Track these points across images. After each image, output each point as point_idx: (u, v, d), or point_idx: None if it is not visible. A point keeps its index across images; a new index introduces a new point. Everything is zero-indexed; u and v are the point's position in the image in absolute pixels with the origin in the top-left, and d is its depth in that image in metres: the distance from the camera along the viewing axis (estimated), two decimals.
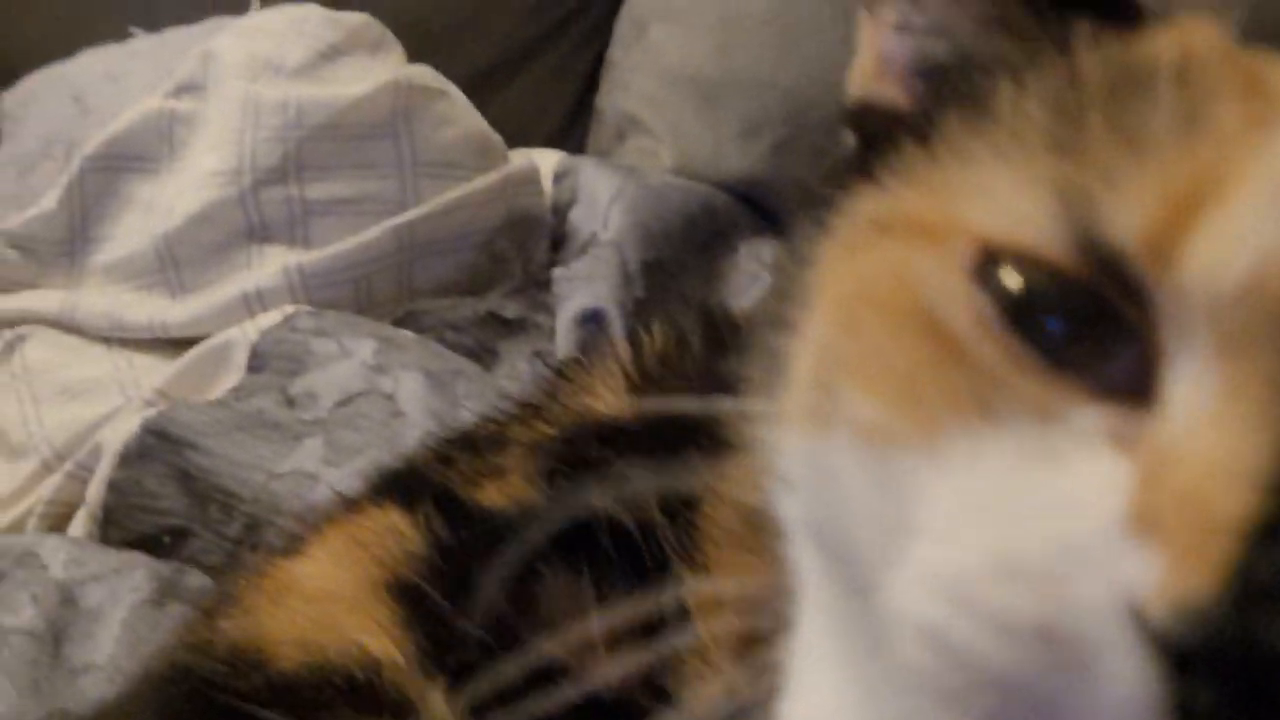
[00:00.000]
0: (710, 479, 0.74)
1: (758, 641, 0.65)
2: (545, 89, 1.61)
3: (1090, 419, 0.44)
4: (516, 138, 1.49)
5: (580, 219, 1.40)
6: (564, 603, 0.72)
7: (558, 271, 1.31)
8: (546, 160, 1.45)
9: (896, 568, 0.48)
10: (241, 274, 1.30)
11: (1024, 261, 0.46)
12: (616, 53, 1.59)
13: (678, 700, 0.69)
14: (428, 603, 0.71)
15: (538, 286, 1.35)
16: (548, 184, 1.44)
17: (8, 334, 1.32)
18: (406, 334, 1.21)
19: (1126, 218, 0.44)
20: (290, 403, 1.15)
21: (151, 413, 1.17)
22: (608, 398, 0.82)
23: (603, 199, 1.39)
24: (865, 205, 0.53)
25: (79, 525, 1.15)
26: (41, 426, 1.22)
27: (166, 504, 1.14)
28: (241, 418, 1.15)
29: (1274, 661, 0.39)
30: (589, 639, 0.70)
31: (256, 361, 1.22)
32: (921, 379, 0.48)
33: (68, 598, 1.01)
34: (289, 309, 1.26)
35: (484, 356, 1.28)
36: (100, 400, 1.23)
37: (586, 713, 0.69)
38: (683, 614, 0.69)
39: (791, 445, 0.55)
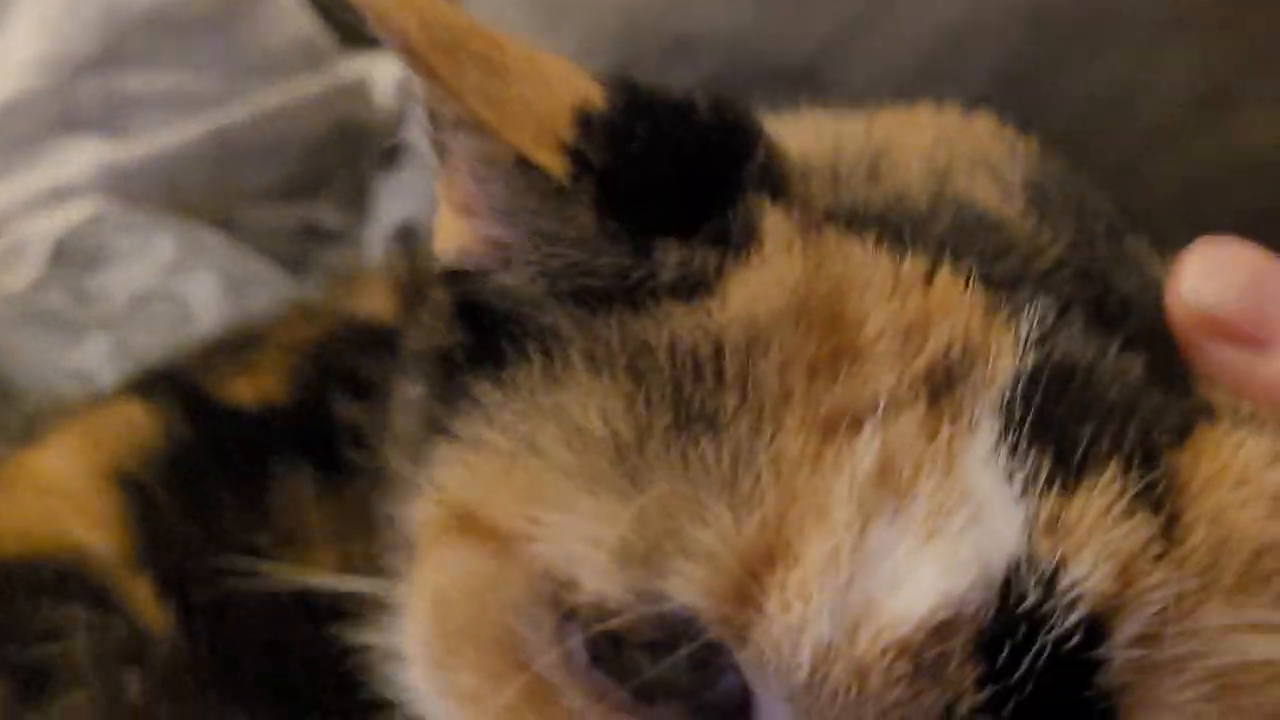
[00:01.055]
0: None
1: None
2: None
3: None
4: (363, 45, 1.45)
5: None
6: (294, 507, 0.71)
7: (379, 182, 1.29)
8: (387, 70, 1.41)
9: None
10: (51, 166, 1.27)
11: (599, 612, 0.45)
12: None
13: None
14: (151, 497, 0.70)
15: (363, 198, 1.33)
16: (389, 96, 1.40)
17: None
18: (213, 237, 1.18)
19: (691, 581, 0.43)
20: (83, 299, 1.11)
21: None
22: (374, 303, 0.81)
23: None
24: (450, 478, 0.51)
25: None
26: None
27: None
28: (32, 312, 1.13)
29: None
30: (308, 542, 0.68)
31: (58, 256, 1.18)
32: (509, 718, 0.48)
33: None
34: (97, 204, 1.21)
35: (298, 266, 1.25)
36: None
37: (305, 616, 0.67)
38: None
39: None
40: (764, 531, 0.43)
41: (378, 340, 0.77)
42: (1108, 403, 0.46)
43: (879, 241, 0.49)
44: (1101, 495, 0.44)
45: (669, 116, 0.50)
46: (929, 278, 0.48)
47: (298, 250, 1.26)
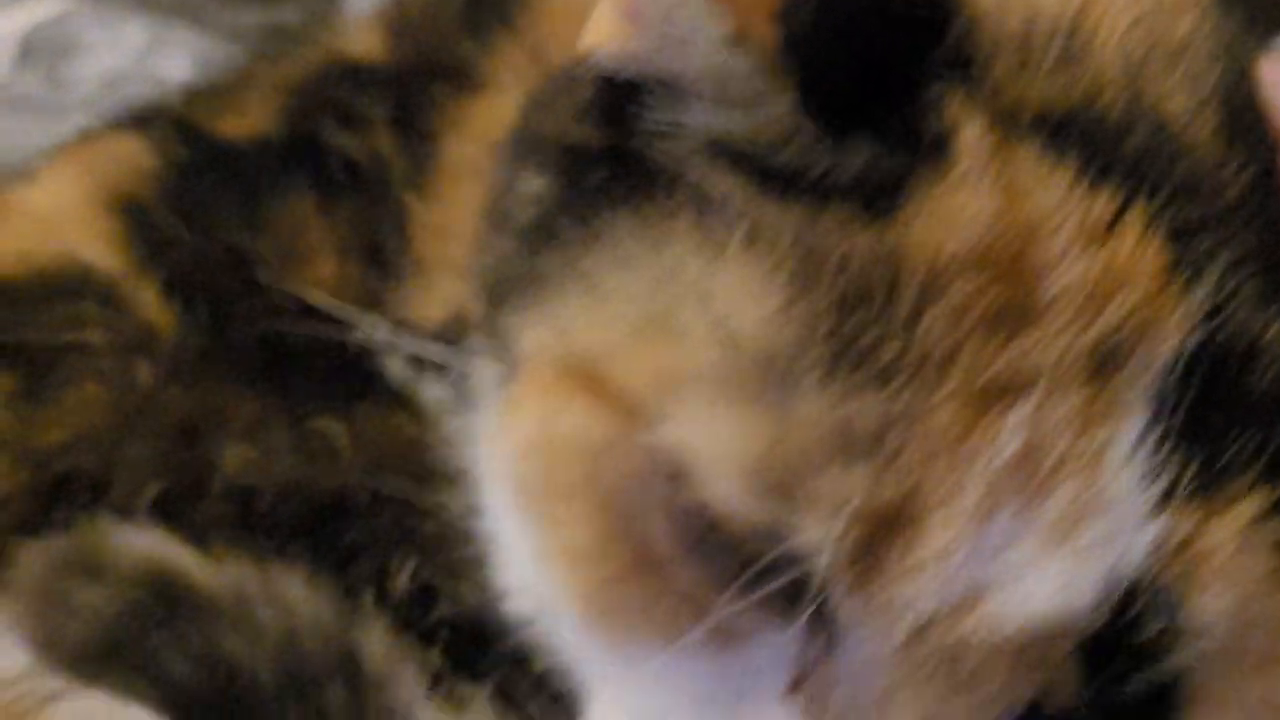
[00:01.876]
0: (454, 114, 0.72)
1: None
2: None
3: (771, 649, 0.45)
4: None
5: None
6: (290, 223, 0.72)
7: None
8: None
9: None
10: None
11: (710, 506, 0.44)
12: None
13: (397, 315, 0.69)
14: (151, 214, 0.71)
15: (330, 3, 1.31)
16: None
17: None
18: (183, 29, 1.17)
19: (816, 529, 0.42)
20: (58, 85, 1.11)
21: None
22: (364, 42, 0.80)
23: None
24: (578, 323, 0.48)
25: None
26: None
27: None
28: (6, 99, 1.11)
29: None
30: (309, 250, 0.69)
31: (27, 52, 1.17)
32: (620, 583, 0.47)
33: None
34: (64, 3, 1.20)
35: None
36: None
37: (301, 313, 0.68)
38: (403, 234, 0.68)
39: None
40: (900, 495, 0.41)
41: (371, 77, 0.77)
42: (1263, 397, 0.43)
43: (1074, 165, 0.44)
44: (1237, 518, 0.42)
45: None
46: (1115, 222, 0.43)
47: (265, 49, 1.25)
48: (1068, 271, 0.43)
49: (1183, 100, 0.48)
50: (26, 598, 0.58)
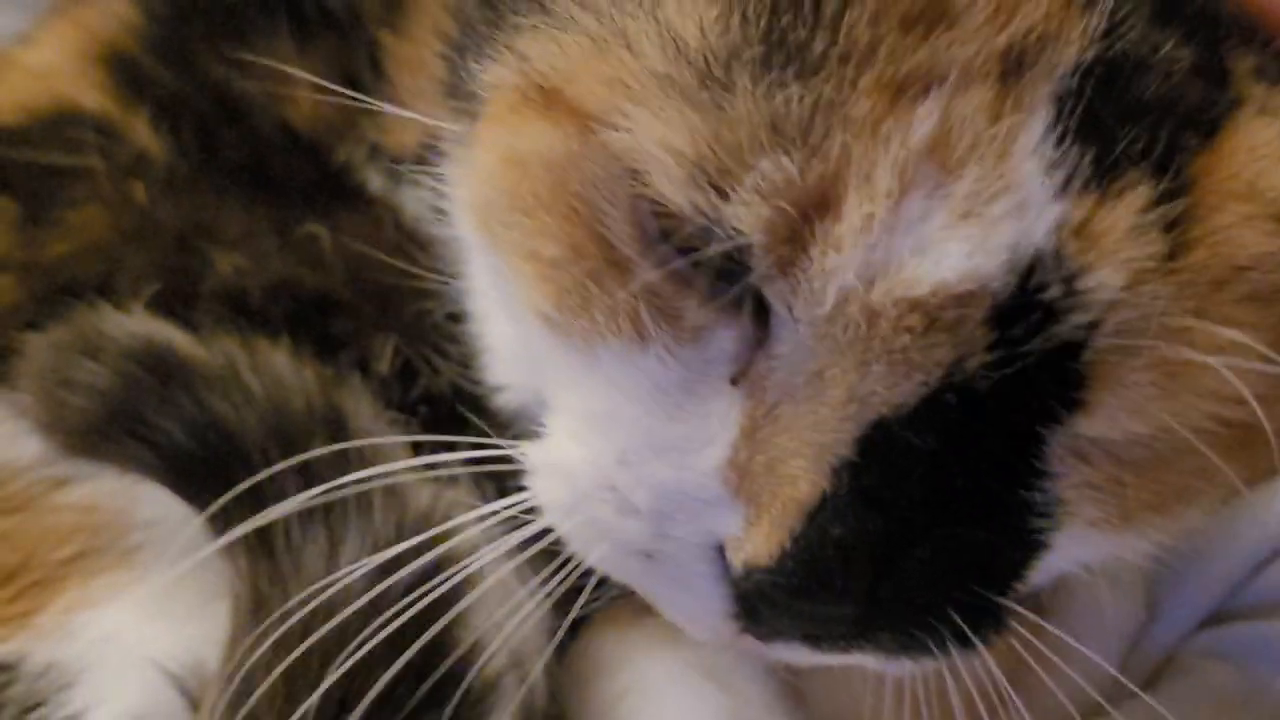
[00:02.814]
0: None
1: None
2: None
3: (720, 342, 0.48)
4: None
5: None
6: (274, 56, 0.74)
7: None
8: None
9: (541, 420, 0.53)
10: None
11: (660, 203, 0.46)
12: None
13: (383, 141, 0.72)
14: (139, 62, 0.74)
15: None
16: None
17: None
18: None
19: (750, 213, 0.44)
20: None
21: None
22: None
23: None
24: (536, 51, 0.50)
25: None
26: None
27: None
28: None
29: (811, 595, 0.46)
30: (293, 86, 0.71)
31: None
32: (585, 285, 0.49)
33: None
34: None
35: None
36: None
37: (284, 140, 0.71)
38: (377, 67, 0.72)
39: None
40: (821, 183, 0.44)
41: None
42: (1150, 101, 0.46)
43: None
44: (1128, 206, 0.45)
45: None
46: None
47: None
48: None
49: None
50: (33, 381, 0.59)
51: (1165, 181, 0.45)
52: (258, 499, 0.56)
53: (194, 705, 0.56)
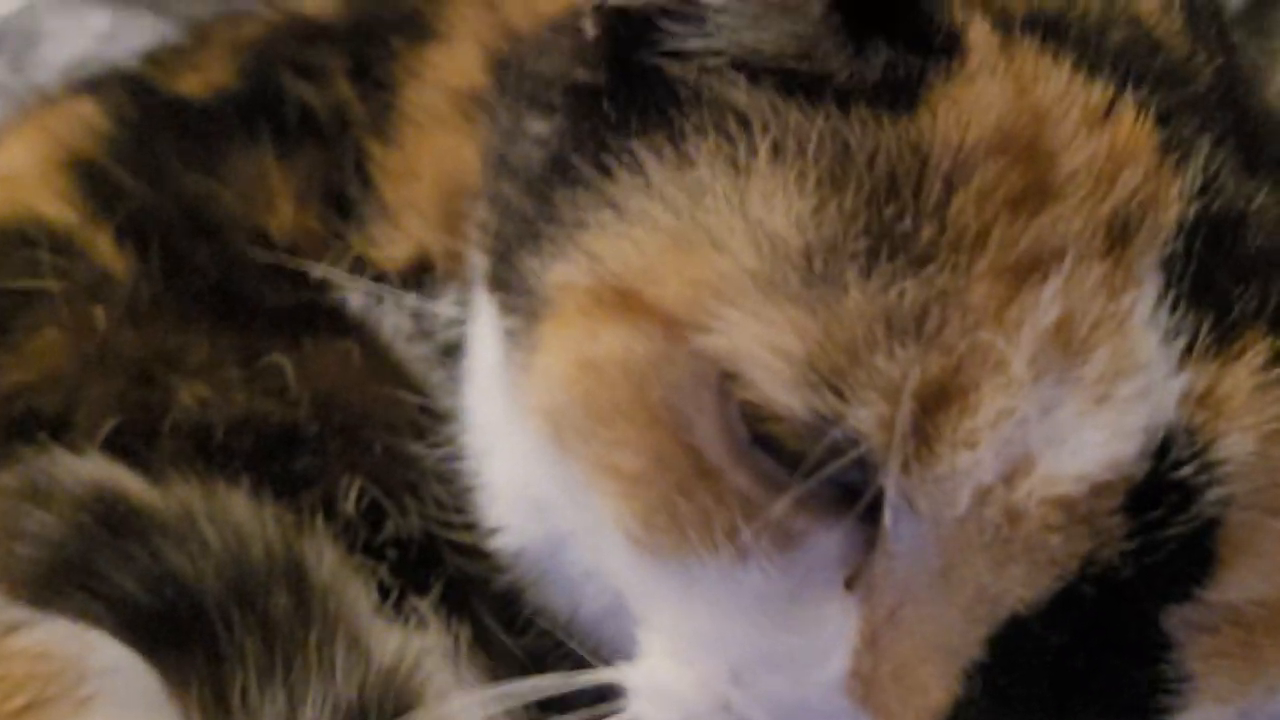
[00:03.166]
0: (411, 63, 0.74)
1: (458, 213, 0.68)
2: None
3: (827, 545, 0.46)
4: None
5: None
6: (250, 172, 0.72)
7: None
8: None
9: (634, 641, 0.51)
10: None
11: (762, 406, 0.44)
12: None
13: (367, 254, 0.70)
14: (104, 171, 0.72)
15: None
16: None
17: None
18: (145, 15, 1.18)
19: (871, 413, 0.43)
20: (20, 69, 1.12)
21: None
22: (317, 2, 0.82)
23: None
24: (609, 250, 0.48)
25: None
26: None
27: None
28: None
29: None
30: (270, 194, 0.70)
31: None
32: (674, 500, 0.47)
33: None
34: None
35: None
36: None
37: (262, 264, 0.69)
38: (364, 178, 0.69)
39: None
40: (945, 374, 0.42)
41: (327, 32, 0.79)
42: (1255, 254, 0.46)
43: (1069, 60, 0.47)
44: (1249, 366, 0.44)
45: None
46: (1111, 108, 0.46)
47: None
48: (1078, 153, 0.45)
49: (1152, 2, 0.51)
50: None
51: None
52: (214, 654, 0.54)
53: None
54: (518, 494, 0.60)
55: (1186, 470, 0.43)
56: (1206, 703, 0.48)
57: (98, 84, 0.81)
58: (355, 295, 0.69)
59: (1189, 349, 0.44)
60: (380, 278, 0.69)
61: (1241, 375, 0.44)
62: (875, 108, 0.45)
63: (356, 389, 0.65)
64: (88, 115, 0.77)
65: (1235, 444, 0.44)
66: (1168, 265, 0.45)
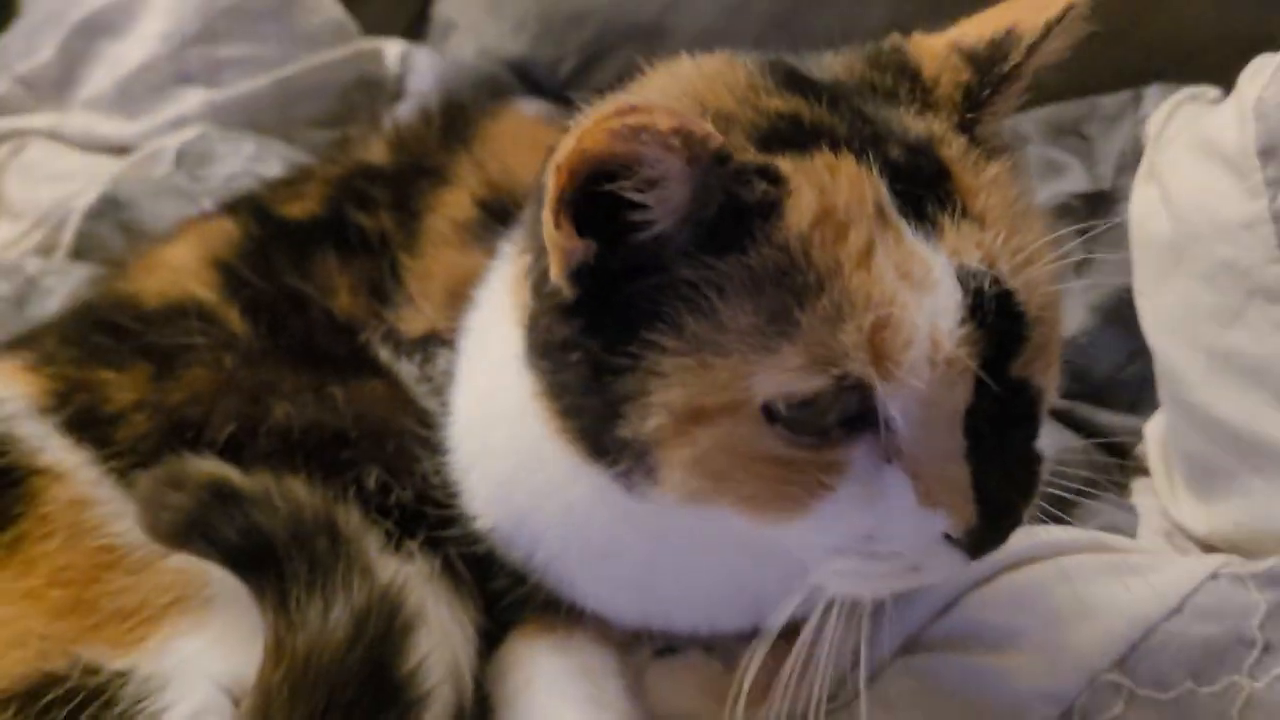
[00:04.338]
0: (431, 200, 0.81)
1: (462, 295, 0.73)
2: (403, 4, 1.61)
3: (864, 452, 0.52)
4: (384, 32, 1.51)
5: (411, 85, 1.43)
6: (326, 269, 0.79)
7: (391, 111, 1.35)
8: (395, 47, 1.47)
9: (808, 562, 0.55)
10: (173, 105, 1.31)
11: (799, 400, 0.50)
12: None
13: (397, 327, 0.76)
14: (236, 269, 0.78)
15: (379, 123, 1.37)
16: (395, 63, 1.46)
17: (17, 140, 1.32)
18: (280, 145, 1.24)
19: (853, 360, 0.49)
20: (197, 179, 1.18)
21: (107, 187, 1.19)
22: (376, 151, 0.87)
23: (424, 70, 1.41)
24: (673, 397, 0.51)
25: (58, 261, 1.18)
26: (36, 197, 1.22)
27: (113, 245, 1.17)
28: (165, 189, 1.18)
29: (1001, 532, 0.52)
30: (335, 287, 0.76)
31: (181, 158, 1.24)
32: (783, 492, 0.52)
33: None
34: (204, 128, 1.27)
35: None
36: (76, 184, 1.23)
37: (327, 326, 0.75)
38: (399, 280, 0.76)
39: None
40: (874, 321, 0.49)
41: (380, 174, 0.85)
42: (923, 186, 0.52)
43: (806, 149, 0.51)
44: (953, 226, 0.51)
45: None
46: (828, 163, 0.51)
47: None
48: (842, 197, 0.51)
49: (782, 97, 0.55)
50: (140, 502, 0.63)
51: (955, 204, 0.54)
52: (279, 575, 0.61)
53: (237, 705, 0.60)
54: (496, 501, 0.66)
55: (989, 291, 0.50)
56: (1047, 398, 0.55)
57: (234, 205, 0.88)
58: (384, 351, 0.75)
59: (934, 234, 0.50)
60: (404, 342, 0.76)
61: (960, 234, 0.51)
62: (759, 226, 0.50)
63: (380, 409, 0.71)
64: (227, 230, 0.83)
65: (1003, 266, 0.50)
66: (900, 208, 0.51)
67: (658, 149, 0.47)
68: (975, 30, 0.57)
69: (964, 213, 0.51)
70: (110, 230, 1.14)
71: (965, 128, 0.55)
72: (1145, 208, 0.83)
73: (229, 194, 0.96)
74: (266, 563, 0.60)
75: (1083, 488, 0.83)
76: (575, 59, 1.35)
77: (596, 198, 0.49)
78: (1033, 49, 0.55)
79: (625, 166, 0.48)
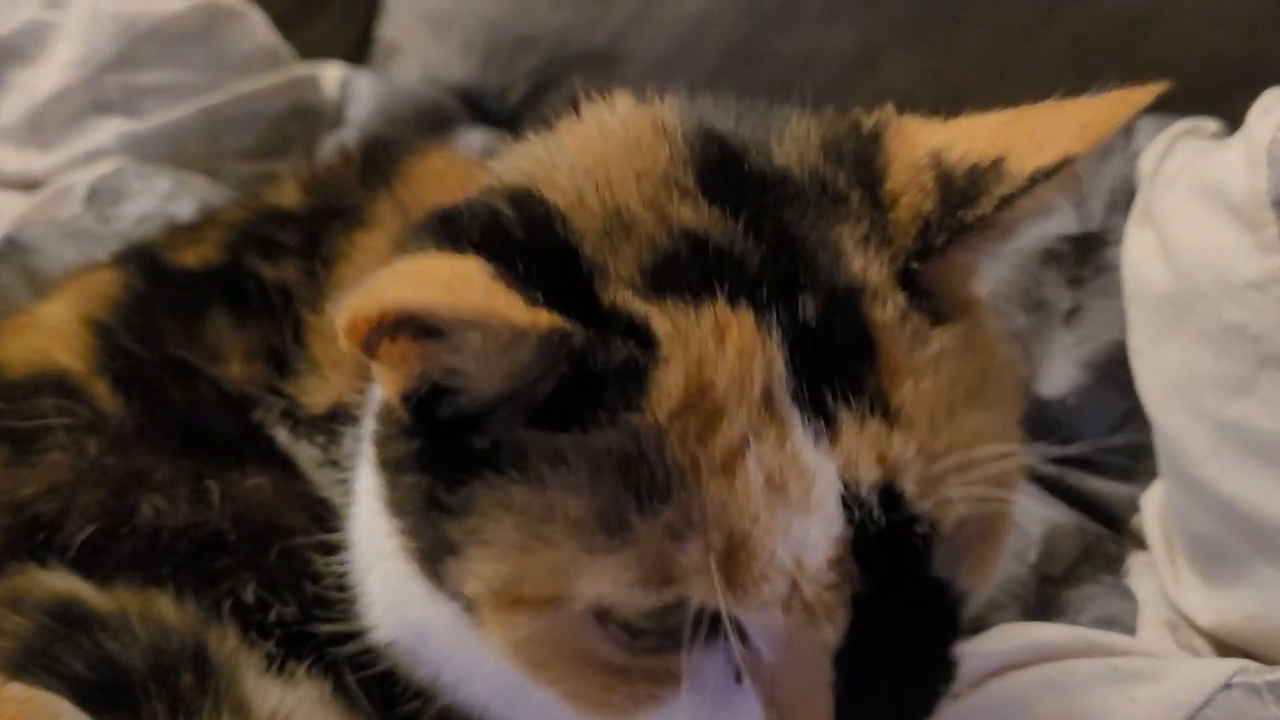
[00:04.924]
0: (345, 246, 0.72)
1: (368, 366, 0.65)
2: (344, 25, 1.54)
3: (713, 666, 0.45)
4: (326, 55, 1.43)
5: (351, 113, 1.35)
6: (217, 331, 0.70)
7: (326, 144, 1.27)
8: (334, 72, 1.39)
9: None
10: (88, 137, 1.23)
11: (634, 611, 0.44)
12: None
13: (298, 401, 0.67)
14: (112, 331, 0.70)
15: (314, 156, 1.30)
16: (335, 89, 1.38)
17: None
18: (199, 180, 1.16)
19: (696, 583, 0.42)
20: (105, 221, 1.09)
21: (11, 228, 1.10)
22: (286, 193, 0.80)
23: (365, 97, 1.34)
24: (489, 572, 0.46)
25: None
26: None
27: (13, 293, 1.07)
28: (71, 231, 1.10)
29: None
30: (225, 353, 0.68)
31: (92, 196, 1.15)
32: (609, 700, 0.47)
33: None
34: (120, 162, 1.18)
35: None
36: None
37: (216, 401, 0.66)
38: (302, 343, 0.67)
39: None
40: (727, 543, 0.42)
41: (286, 219, 0.77)
42: (833, 363, 0.44)
43: (698, 296, 0.44)
44: (856, 426, 0.43)
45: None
46: (719, 321, 0.43)
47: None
48: (723, 373, 0.43)
49: (689, 208, 0.47)
50: None
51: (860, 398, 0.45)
52: (136, 716, 0.53)
53: None
54: (395, 610, 0.59)
55: (880, 521, 0.43)
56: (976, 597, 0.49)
57: (123, 256, 0.80)
58: (281, 431, 0.66)
59: (827, 437, 0.43)
60: (305, 419, 0.67)
61: (859, 436, 0.43)
62: (603, 407, 0.43)
63: (265, 507, 0.63)
64: (108, 284, 0.75)
65: (869, 475, 0.43)
66: (795, 394, 0.43)
67: (465, 330, 0.41)
68: (968, 141, 0.47)
69: (873, 407, 0.43)
70: (12, 276, 1.04)
71: (910, 277, 0.46)
72: (1141, 255, 0.75)
73: (135, 239, 0.87)
74: (120, 701, 0.53)
75: (1074, 566, 0.75)
76: (525, 85, 1.27)
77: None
78: (1006, 202, 0.45)
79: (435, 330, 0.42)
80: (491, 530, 0.45)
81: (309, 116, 1.34)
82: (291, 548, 0.61)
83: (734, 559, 0.42)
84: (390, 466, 0.51)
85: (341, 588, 0.62)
